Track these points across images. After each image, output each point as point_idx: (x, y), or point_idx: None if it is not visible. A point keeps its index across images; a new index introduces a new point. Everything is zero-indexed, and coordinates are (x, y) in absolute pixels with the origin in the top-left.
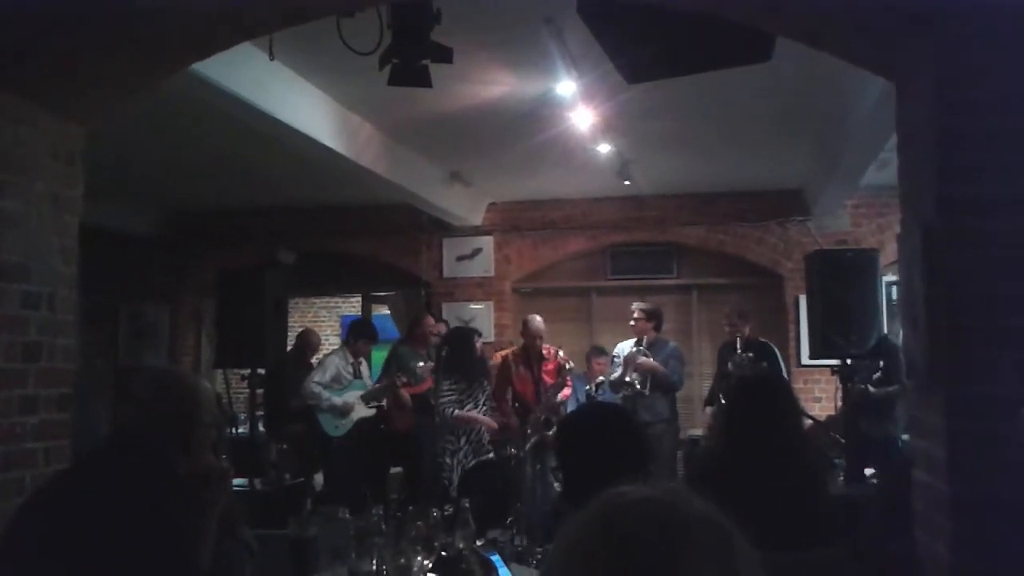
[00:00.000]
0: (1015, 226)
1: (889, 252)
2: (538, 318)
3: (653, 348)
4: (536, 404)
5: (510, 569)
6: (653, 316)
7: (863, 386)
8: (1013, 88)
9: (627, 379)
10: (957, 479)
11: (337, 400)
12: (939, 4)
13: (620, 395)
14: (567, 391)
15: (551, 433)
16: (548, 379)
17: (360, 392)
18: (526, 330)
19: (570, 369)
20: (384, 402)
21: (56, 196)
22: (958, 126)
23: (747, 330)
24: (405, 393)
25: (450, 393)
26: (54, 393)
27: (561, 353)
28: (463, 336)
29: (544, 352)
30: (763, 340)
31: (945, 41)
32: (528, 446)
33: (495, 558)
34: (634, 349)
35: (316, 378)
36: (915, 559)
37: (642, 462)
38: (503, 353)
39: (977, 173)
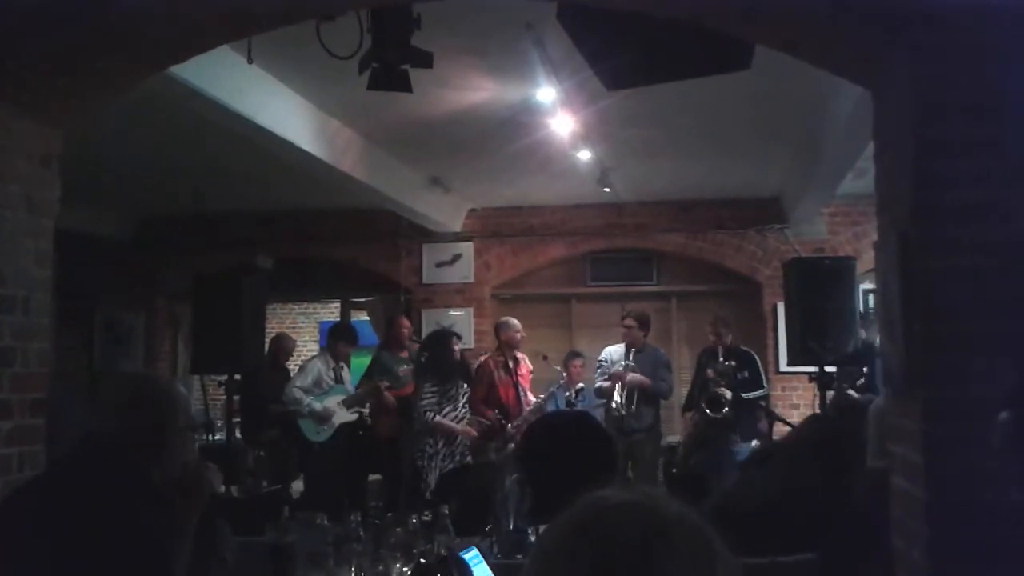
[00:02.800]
0: (990, 232)
1: (866, 260)
2: (514, 320)
3: (642, 355)
4: (517, 408)
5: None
6: (645, 324)
7: (846, 388)
8: (989, 96)
9: (614, 404)
10: (933, 484)
11: (317, 406)
12: (915, 13)
13: (601, 405)
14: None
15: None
16: (523, 383)
17: (341, 397)
18: (504, 332)
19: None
20: (367, 407)
21: (31, 199)
22: (934, 134)
23: (729, 338)
24: (390, 396)
25: (430, 396)
26: (28, 398)
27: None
28: (440, 338)
29: (517, 354)
30: (744, 348)
31: (921, 49)
32: (506, 452)
33: (472, 556)
34: (623, 364)
35: (297, 383)
36: (892, 565)
37: (611, 470)
38: (482, 359)
39: (953, 181)
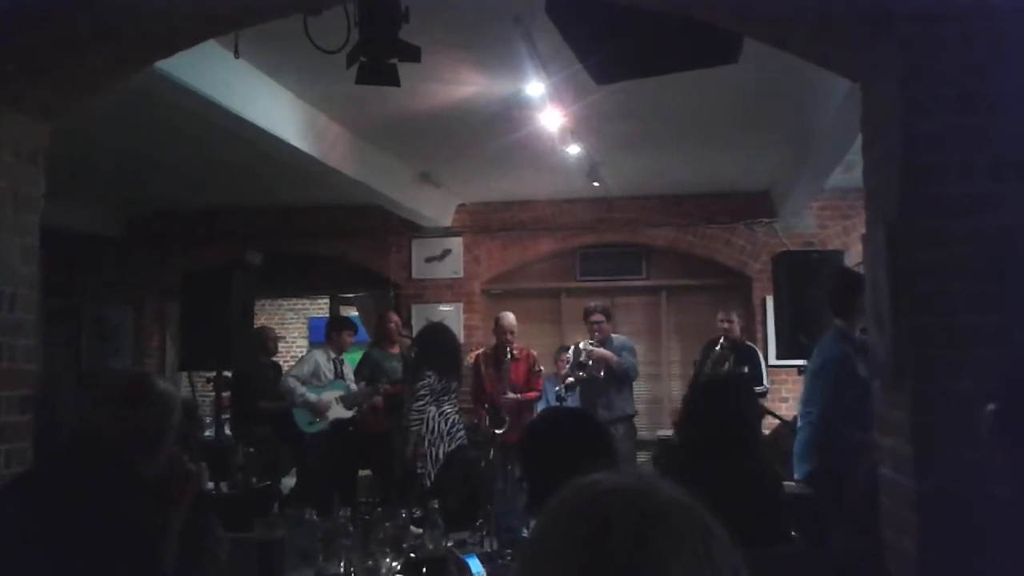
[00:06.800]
0: (978, 225)
1: (854, 253)
2: (510, 315)
3: (606, 345)
4: (505, 405)
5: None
6: (610, 316)
7: None
8: (976, 88)
9: (581, 359)
10: (923, 475)
11: (312, 396)
12: (903, 6)
13: (581, 377)
14: (532, 393)
15: (500, 431)
16: (516, 380)
17: (340, 392)
18: (497, 327)
19: (539, 372)
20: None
21: (17, 194)
22: (922, 126)
23: (737, 330)
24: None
25: (424, 392)
26: (15, 395)
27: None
28: (442, 329)
29: (516, 352)
30: (748, 343)
31: (909, 42)
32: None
33: (472, 559)
34: (589, 343)
35: (294, 372)
36: (879, 555)
37: (609, 468)
38: (474, 354)
39: (941, 173)
